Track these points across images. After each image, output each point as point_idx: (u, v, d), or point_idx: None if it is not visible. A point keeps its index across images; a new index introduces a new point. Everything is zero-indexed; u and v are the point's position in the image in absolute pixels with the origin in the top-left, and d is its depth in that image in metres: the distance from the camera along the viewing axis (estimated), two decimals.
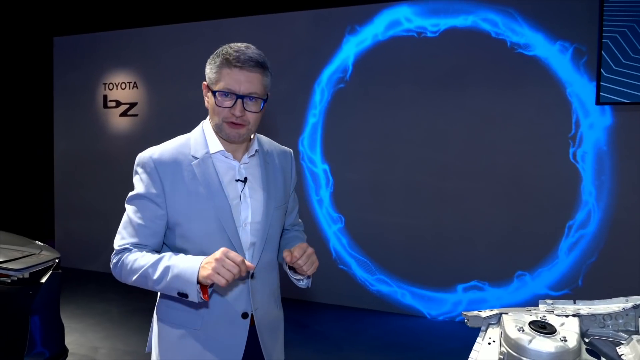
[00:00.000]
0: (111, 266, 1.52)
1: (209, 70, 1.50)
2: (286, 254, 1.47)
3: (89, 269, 5.86)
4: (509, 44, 4.18)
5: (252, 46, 1.49)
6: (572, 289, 4.09)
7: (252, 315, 1.56)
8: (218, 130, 1.51)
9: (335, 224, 4.79)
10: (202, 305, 1.51)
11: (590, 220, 4.05)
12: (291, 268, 1.57)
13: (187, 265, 1.38)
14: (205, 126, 1.58)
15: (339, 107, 4.74)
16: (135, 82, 5.64)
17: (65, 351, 3.12)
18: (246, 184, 1.55)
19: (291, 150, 1.77)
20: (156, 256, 1.45)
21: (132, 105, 5.67)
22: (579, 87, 4.01)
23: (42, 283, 2.85)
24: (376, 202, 4.67)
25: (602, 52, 3.72)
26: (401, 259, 4.60)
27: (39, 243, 3.32)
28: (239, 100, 1.45)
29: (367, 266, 4.71)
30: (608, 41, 3.68)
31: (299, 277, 1.59)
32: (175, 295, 1.40)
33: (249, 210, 1.55)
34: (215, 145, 1.54)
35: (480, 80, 4.29)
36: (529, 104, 4.16)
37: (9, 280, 2.71)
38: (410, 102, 4.51)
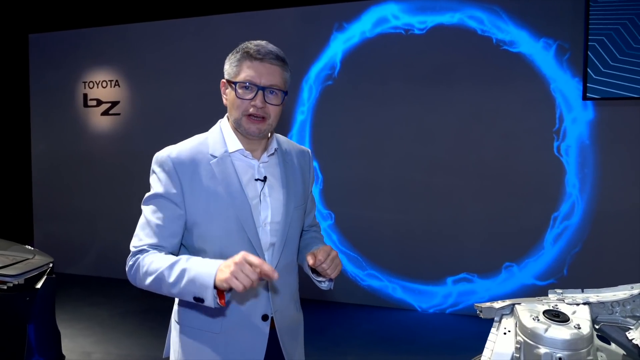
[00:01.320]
0: (127, 269, 1.47)
1: (229, 66, 1.49)
2: (309, 257, 1.44)
3: (71, 272, 5.72)
4: (495, 41, 4.27)
5: (271, 43, 1.50)
6: (558, 278, 4.22)
7: (272, 318, 1.54)
8: (237, 125, 1.49)
9: (325, 220, 4.81)
10: (221, 308, 1.47)
11: (574, 211, 4.18)
12: (314, 271, 1.55)
13: (204, 269, 1.33)
14: (223, 124, 1.56)
15: (327, 104, 4.75)
16: (117, 81, 5.53)
17: (62, 358, 3.05)
18: (266, 183, 1.53)
19: (309, 149, 1.75)
20: (173, 258, 1.40)
21: (114, 104, 5.56)
22: (563, 83, 4.12)
23: (38, 289, 2.78)
24: (366, 198, 4.71)
25: (589, 52, 3.83)
26: (391, 253, 4.66)
27: (30, 247, 3.24)
28: (260, 92, 1.44)
29: (357, 262, 4.75)
30: (595, 44, 3.80)
31: (321, 279, 1.56)
32: (192, 300, 1.35)
33: (268, 210, 1.52)
34: (234, 143, 1.51)
35: (467, 76, 4.36)
36: (514, 99, 4.26)
37: (6, 287, 2.64)
38: (398, 99, 4.56)
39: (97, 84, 5.61)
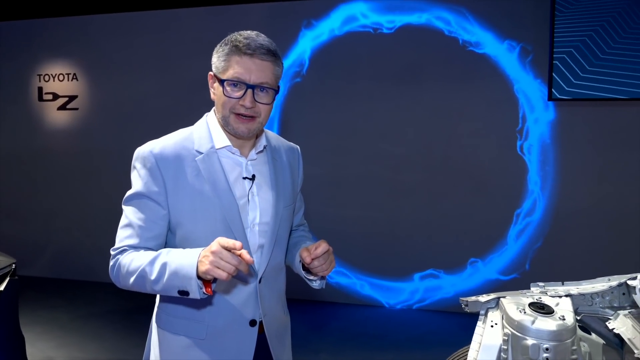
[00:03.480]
0: (109, 271, 1.41)
1: (216, 59, 1.41)
2: (304, 254, 1.40)
3: (26, 274, 5.44)
4: (461, 41, 4.37)
5: (262, 34, 1.42)
6: (520, 272, 4.37)
7: (260, 322, 1.49)
8: (225, 124, 1.42)
9: None
10: (206, 312, 1.43)
11: (535, 208, 4.33)
12: (305, 268, 1.51)
13: (185, 260, 1.27)
14: (210, 119, 1.49)
15: (295, 102, 4.73)
16: (74, 74, 5.31)
17: None
18: (254, 182, 1.48)
19: (298, 146, 1.72)
20: (153, 254, 1.34)
21: (72, 98, 5.33)
22: (525, 84, 4.26)
23: (1, 291, 2.63)
24: (333, 195, 4.72)
25: (556, 62, 3.96)
26: (359, 251, 4.69)
27: None
28: (249, 91, 1.36)
29: None
30: (565, 55, 3.94)
31: (312, 277, 1.52)
32: (176, 294, 1.29)
33: (257, 210, 1.47)
34: (221, 140, 1.45)
35: (434, 76, 4.44)
36: (479, 99, 4.38)
37: None
38: (366, 97, 4.59)
39: (53, 77, 5.36)
